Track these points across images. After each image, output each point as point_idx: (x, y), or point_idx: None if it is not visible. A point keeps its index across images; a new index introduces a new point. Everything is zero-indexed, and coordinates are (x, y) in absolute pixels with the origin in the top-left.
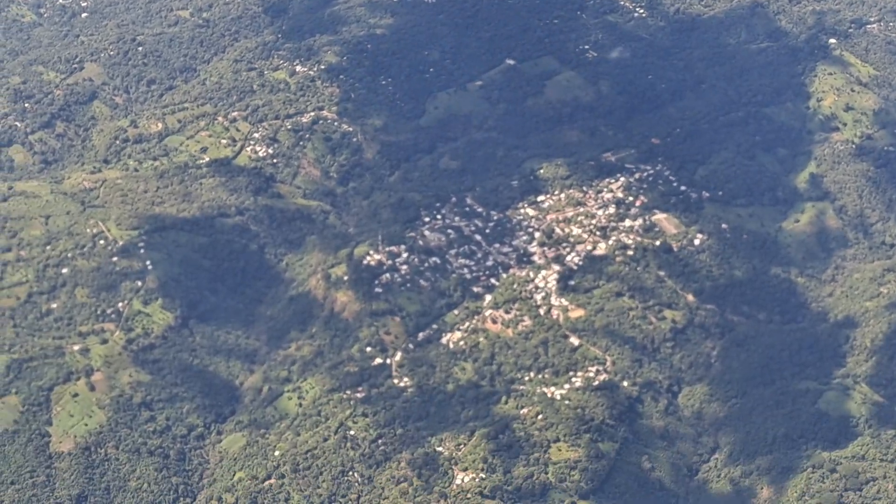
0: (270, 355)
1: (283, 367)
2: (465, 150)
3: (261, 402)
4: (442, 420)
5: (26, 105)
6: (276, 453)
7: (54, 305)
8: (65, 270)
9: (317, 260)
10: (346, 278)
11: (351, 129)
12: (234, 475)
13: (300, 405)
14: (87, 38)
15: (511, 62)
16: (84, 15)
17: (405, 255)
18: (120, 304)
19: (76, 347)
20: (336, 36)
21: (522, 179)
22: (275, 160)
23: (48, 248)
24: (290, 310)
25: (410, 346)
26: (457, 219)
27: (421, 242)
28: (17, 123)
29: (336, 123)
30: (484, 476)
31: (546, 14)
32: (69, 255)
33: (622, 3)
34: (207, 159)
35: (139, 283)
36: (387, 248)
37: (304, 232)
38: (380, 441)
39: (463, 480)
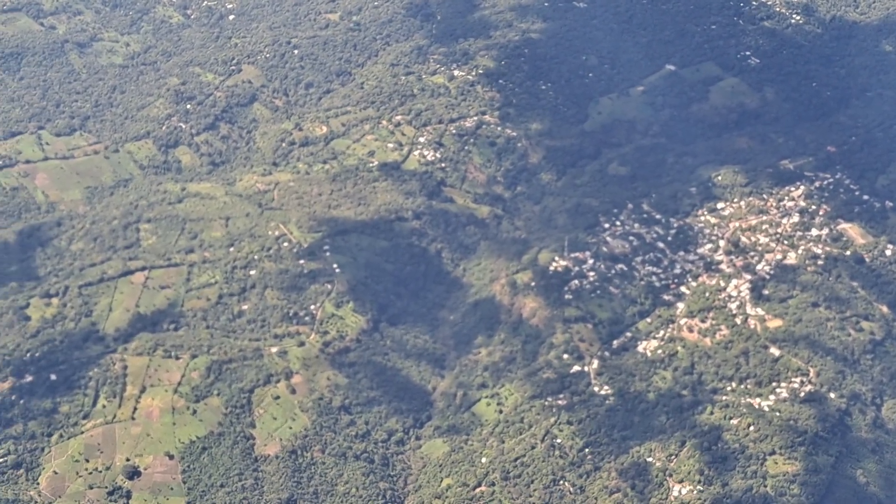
0: (460, 360)
1: (476, 372)
2: (633, 155)
3: (457, 407)
4: (647, 429)
5: (188, 106)
6: (484, 460)
7: (245, 307)
8: (253, 272)
9: (498, 266)
10: (532, 284)
11: (514, 133)
12: (441, 482)
13: (500, 412)
14: (240, 39)
15: (672, 67)
16: (231, 17)
17: (591, 261)
18: (312, 307)
19: (274, 350)
20: (490, 40)
21: (700, 186)
22: (443, 164)
23: (232, 249)
24: (476, 315)
25: (606, 353)
26: (636, 225)
27: (605, 249)
28: (181, 125)
29: (499, 128)
30: (702, 488)
31: (703, 20)
32: (255, 256)
33: (778, 9)
34: (377, 163)
35: (328, 286)
36: (571, 255)
37: (478, 237)
38: (587, 450)
39: (680, 492)
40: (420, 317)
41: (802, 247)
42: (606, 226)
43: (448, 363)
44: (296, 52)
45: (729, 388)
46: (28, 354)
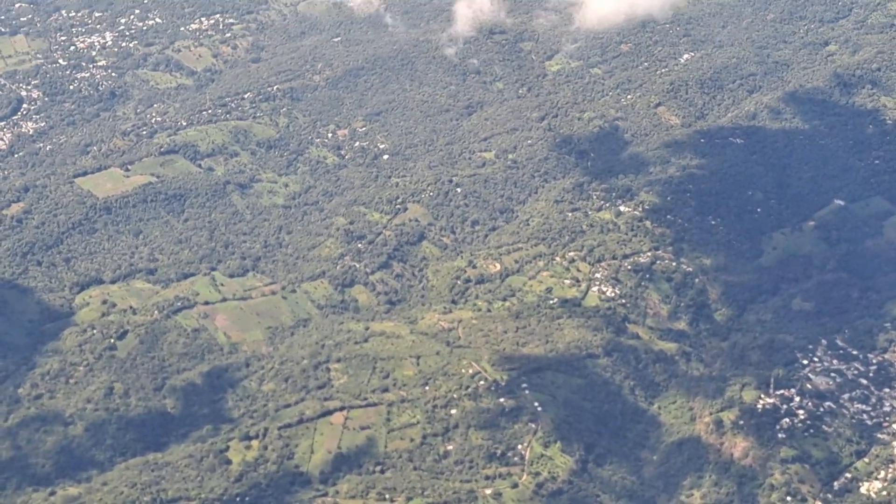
0: (671, 503)
1: None
2: (816, 290)
3: None
4: None
5: (359, 245)
6: None
7: (450, 447)
8: (453, 411)
9: (697, 404)
10: (741, 423)
11: (690, 269)
12: None
13: None
14: (401, 179)
15: (840, 202)
16: (385, 157)
17: (797, 398)
18: (519, 447)
19: (488, 491)
20: (650, 176)
21: (893, 322)
22: (623, 300)
23: (427, 388)
24: (681, 455)
25: (829, 495)
26: (835, 361)
27: (809, 386)
28: (355, 264)
29: (674, 263)
30: None
31: (865, 154)
32: (454, 395)
33: None
34: (557, 299)
35: (532, 425)
36: (777, 392)
37: (668, 374)
38: None
39: None
40: (623, 456)
41: None
42: (805, 362)
43: None
44: (458, 190)
45: None
46: (237, 499)
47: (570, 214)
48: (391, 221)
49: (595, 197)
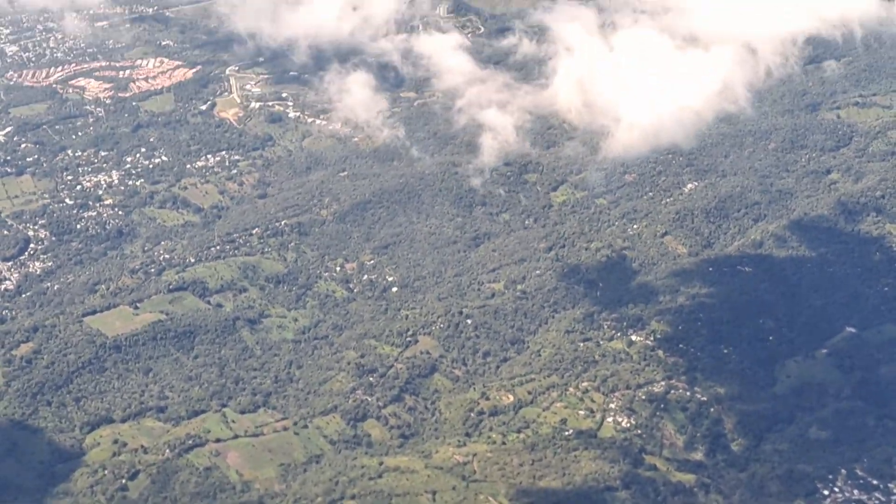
0: None
1: None
2: (832, 419)
3: None
4: None
5: (371, 379)
6: None
7: None
8: None
9: None
10: None
11: (705, 398)
12: None
13: None
14: (410, 311)
15: (852, 330)
16: (394, 289)
17: None
18: None
19: None
20: (660, 305)
21: None
22: (638, 431)
23: None
24: None
25: None
26: (856, 492)
27: None
28: (367, 398)
29: (688, 393)
30: None
31: (874, 282)
32: None
33: None
34: (572, 431)
35: None
36: None
37: None
38: None
39: None
40: None
41: None
42: (825, 493)
43: None
44: (468, 321)
45: None
46: None
47: (581, 344)
48: (402, 354)
49: (606, 326)
